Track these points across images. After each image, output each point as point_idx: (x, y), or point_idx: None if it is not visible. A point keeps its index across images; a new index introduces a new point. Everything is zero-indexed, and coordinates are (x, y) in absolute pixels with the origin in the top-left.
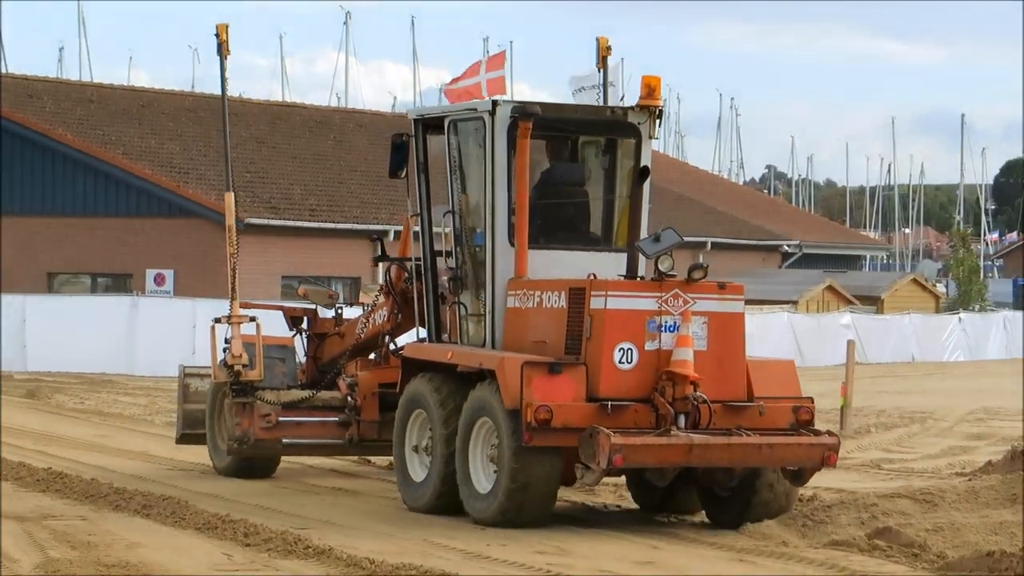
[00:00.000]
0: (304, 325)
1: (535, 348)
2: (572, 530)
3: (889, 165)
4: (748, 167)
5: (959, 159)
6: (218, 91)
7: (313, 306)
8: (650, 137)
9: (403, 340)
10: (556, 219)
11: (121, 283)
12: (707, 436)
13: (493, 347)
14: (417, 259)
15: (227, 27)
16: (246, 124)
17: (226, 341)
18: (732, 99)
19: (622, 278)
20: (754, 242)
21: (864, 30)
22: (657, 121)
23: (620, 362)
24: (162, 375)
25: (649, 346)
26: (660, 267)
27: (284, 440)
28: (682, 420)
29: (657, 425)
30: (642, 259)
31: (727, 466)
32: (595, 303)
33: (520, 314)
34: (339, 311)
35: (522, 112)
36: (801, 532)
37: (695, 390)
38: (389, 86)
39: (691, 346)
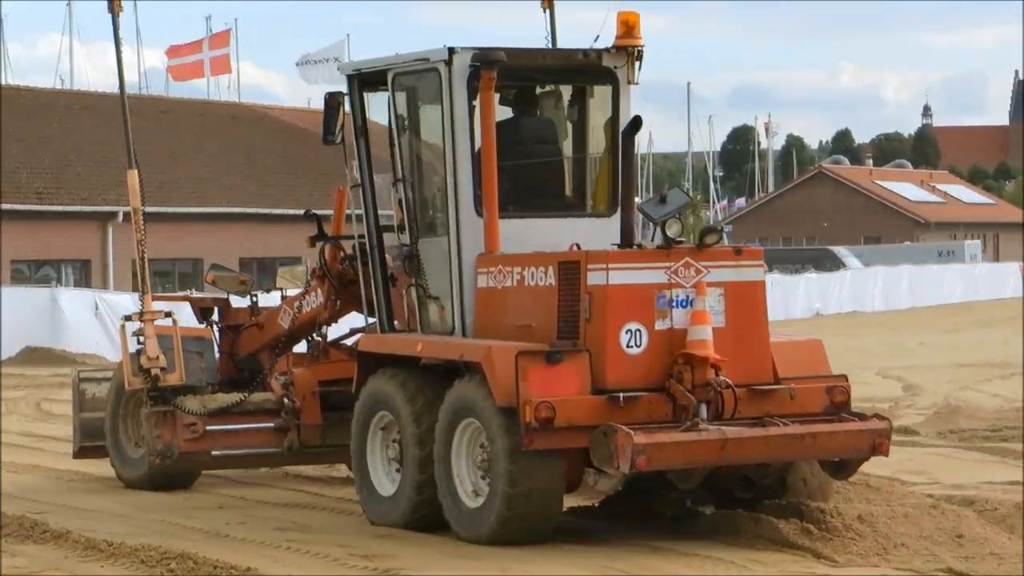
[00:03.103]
0: (215, 317)
1: (517, 334)
2: (312, 507)
3: None
4: None
5: (686, 127)
6: None
7: (224, 295)
8: (629, 82)
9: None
10: (526, 182)
11: None
12: (741, 428)
13: (464, 334)
14: (360, 236)
15: None
16: None
17: (138, 340)
18: None
19: (615, 247)
20: None
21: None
22: (637, 64)
23: (628, 346)
24: None
25: (660, 325)
26: (667, 232)
27: (213, 452)
28: (704, 410)
29: (675, 417)
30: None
31: (764, 461)
32: (593, 278)
33: (495, 295)
34: (254, 299)
35: (484, 60)
36: None
37: (717, 374)
38: (113, 67)
39: (709, 323)
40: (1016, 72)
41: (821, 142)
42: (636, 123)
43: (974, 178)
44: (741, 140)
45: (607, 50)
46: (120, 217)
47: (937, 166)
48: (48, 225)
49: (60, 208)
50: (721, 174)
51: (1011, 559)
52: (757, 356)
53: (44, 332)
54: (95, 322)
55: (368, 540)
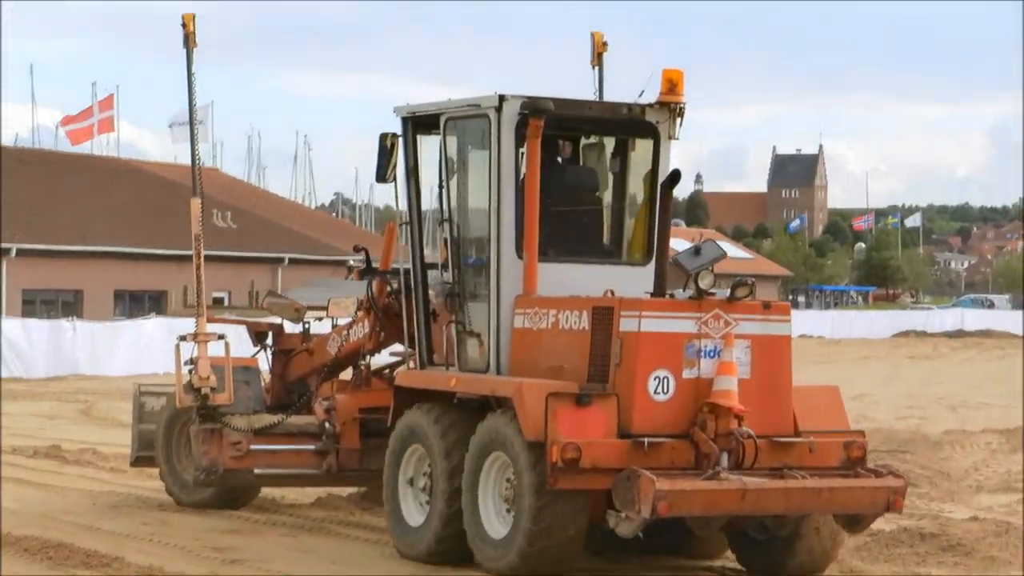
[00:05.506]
0: (269, 341)
1: (550, 374)
2: (172, 507)
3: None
4: (318, 194)
5: None
6: None
7: (279, 320)
8: (670, 138)
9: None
10: (566, 228)
11: None
12: (761, 480)
13: (498, 372)
14: (406, 271)
15: (193, 17)
16: None
17: (190, 361)
18: (305, 136)
19: (648, 295)
20: (324, 257)
21: (407, 78)
22: (679, 120)
23: (655, 392)
24: None
25: (687, 374)
26: (700, 284)
27: (256, 470)
28: (725, 459)
29: (697, 464)
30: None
31: (782, 513)
32: (626, 325)
33: (530, 335)
34: (306, 326)
35: (533, 108)
36: None
37: (739, 424)
38: (9, 124)
39: (735, 374)
40: (774, 147)
41: None
42: (675, 176)
43: (737, 236)
44: None
45: (650, 105)
46: (13, 253)
47: (706, 225)
48: None
49: None
50: None
51: None
52: (779, 408)
53: None
54: None
55: (219, 535)
